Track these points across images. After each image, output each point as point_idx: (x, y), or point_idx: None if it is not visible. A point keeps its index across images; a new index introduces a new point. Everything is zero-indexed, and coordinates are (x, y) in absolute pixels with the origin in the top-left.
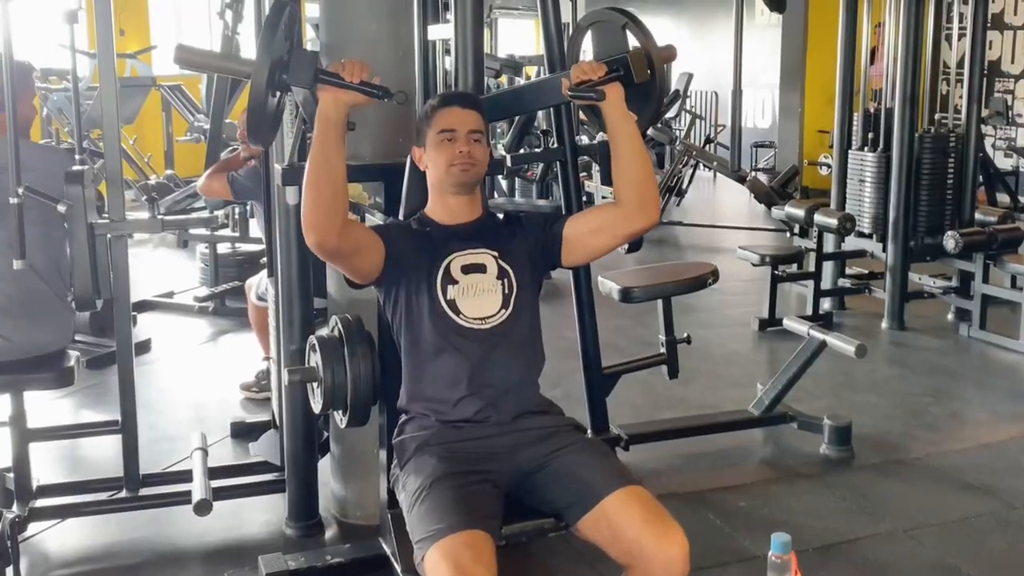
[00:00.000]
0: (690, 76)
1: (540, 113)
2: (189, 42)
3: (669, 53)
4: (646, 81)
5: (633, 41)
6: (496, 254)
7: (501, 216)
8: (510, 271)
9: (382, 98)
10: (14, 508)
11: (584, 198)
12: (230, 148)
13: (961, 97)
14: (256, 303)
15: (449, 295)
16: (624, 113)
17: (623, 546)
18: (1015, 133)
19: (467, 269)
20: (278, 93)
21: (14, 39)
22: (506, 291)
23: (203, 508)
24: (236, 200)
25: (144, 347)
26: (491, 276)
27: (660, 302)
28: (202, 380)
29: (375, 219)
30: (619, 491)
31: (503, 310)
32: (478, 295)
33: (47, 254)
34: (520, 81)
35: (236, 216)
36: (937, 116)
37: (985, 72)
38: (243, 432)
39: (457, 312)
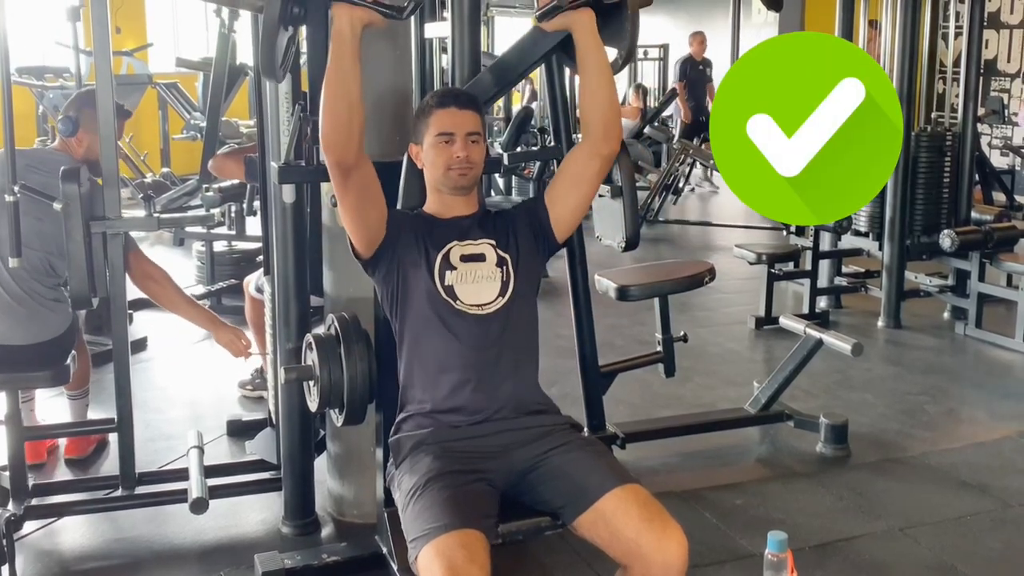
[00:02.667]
0: None
1: (537, 111)
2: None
3: None
4: (616, 12)
5: None
6: (494, 242)
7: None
8: (508, 259)
9: (394, 16)
10: (10, 506)
11: None
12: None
13: (957, 96)
14: (254, 295)
15: (447, 281)
16: (593, 35)
17: (621, 545)
18: (1011, 132)
19: (466, 258)
20: (290, 28)
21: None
22: (504, 278)
23: (199, 506)
24: (249, 181)
25: (140, 345)
26: (490, 264)
27: (657, 300)
28: (198, 378)
29: None
30: (616, 490)
31: (500, 297)
32: (476, 282)
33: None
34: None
35: (232, 214)
36: (933, 115)
37: (981, 71)
38: (239, 430)
39: (454, 298)
